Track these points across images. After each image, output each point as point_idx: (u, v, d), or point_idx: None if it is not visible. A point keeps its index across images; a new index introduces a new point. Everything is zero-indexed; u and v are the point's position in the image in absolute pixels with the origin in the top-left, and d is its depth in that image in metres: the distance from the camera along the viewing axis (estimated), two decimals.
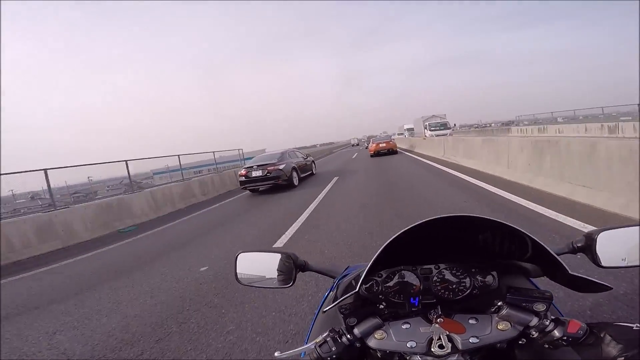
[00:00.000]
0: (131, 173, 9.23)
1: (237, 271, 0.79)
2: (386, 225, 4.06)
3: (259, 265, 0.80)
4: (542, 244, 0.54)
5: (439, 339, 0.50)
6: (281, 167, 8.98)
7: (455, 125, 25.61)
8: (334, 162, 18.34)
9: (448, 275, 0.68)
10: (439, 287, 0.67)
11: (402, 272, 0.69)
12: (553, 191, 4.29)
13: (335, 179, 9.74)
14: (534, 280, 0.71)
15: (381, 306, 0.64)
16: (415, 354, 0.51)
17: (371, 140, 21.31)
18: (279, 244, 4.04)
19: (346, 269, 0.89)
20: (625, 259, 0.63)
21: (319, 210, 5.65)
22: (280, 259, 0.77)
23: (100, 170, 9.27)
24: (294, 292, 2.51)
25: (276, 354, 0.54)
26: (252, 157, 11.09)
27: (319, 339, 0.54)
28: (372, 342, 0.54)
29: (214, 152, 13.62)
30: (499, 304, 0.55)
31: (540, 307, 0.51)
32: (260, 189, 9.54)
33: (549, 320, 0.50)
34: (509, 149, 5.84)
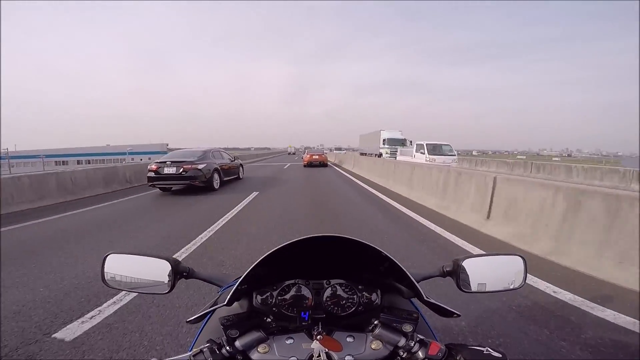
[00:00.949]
0: None
1: (105, 272, 0.71)
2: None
3: (133, 269, 0.71)
4: (403, 268, 0.58)
5: (319, 356, 0.52)
6: (200, 166, 7.96)
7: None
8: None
9: (339, 291, 0.71)
10: (329, 302, 0.70)
11: (299, 285, 0.71)
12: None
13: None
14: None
15: (268, 319, 0.64)
16: None
17: (306, 151, 21.84)
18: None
19: (235, 279, 0.84)
20: (486, 284, 0.70)
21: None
22: (158, 265, 0.70)
23: None
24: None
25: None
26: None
27: (196, 349, 0.53)
28: (255, 356, 0.55)
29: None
30: (375, 322, 0.58)
31: (407, 327, 0.55)
32: (172, 188, 8.31)
33: (414, 342, 0.54)
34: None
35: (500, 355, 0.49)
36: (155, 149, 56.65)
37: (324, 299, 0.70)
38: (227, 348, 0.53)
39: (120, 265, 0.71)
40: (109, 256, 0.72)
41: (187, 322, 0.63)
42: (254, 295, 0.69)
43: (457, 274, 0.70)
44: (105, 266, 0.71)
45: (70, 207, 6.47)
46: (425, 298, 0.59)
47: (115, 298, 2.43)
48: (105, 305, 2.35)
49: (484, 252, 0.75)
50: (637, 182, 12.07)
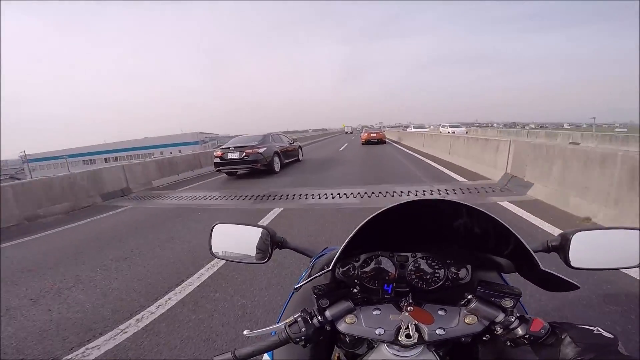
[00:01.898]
0: None
1: (212, 243, 0.77)
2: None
3: (235, 238, 0.77)
4: (520, 238, 0.53)
5: (407, 328, 0.50)
6: (261, 150, 8.05)
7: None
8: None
9: (423, 265, 0.68)
10: (413, 276, 0.67)
11: (380, 258, 0.69)
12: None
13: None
14: (505, 276, 0.71)
15: (355, 290, 0.64)
16: (383, 341, 0.53)
17: (364, 130, 22.01)
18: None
19: (324, 249, 0.87)
20: (597, 261, 0.64)
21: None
22: (257, 234, 0.74)
23: None
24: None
25: (245, 332, 0.55)
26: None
27: (290, 319, 0.54)
28: (341, 327, 0.54)
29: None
30: (469, 297, 0.55)
31: (508, 303, 0.52)
32: (237, 172, 8.66)
33: (514, 317, 0.51)
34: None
35: (612, 336, 0.44)
36: (187, 139, 50.11)
37: (408, 273, 0.68)
38: (319, 317, 0.54)
39: (225, 235, 0.77)
40: (215, 226, 0.77)
41: (295, 288, 0.63)
42: (337, 267, 0.68)
43: (565, 249, 0.64)
44: (212, 236, 0.76)
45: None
46: (542, 268, 0.52)
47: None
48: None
49: (596, 227, 0.66)
50: None
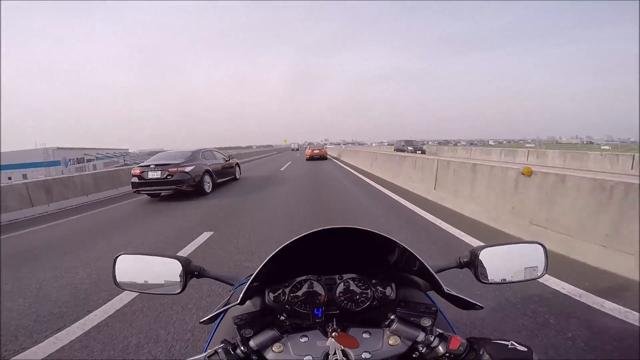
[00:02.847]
0: None
1: (117, 275, 0.70)
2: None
3: (144, 269, 0.70)
4: (420, 260, 0.56)
5: (335, 353, 0.50)
6: (188, 169, 7.13)
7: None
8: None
9: (352, 286, 0.69)
10: (342, 298, 0.68)
11: (311, 281, 0.69)
12: None
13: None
14: (430, 293, 0.73)
15: (282, 317, 0.62)
16: None
17: (309, 147, 25.36)
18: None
19: (248, 277, 0.80)
20: (505, 275, 0.67)
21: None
22: (170, 264, 0.68)
23: None
24: None
25: None
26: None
27: (209, 350, 0.52)
28: (269, 355, 0.53)
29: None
30: (391, 317, 0.55)
31: (426, 322, 0.52)
32: (161, 193, 7.55)
33: (433, 336, 0.51)
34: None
35: (526, 349, 0.47)
36: (33, 158, 26.34)
37: (337, 295, 0.68)
38: (242, 348, 0.52)
39: (131, 266, 0.71)
40: (119, 257, 0.71)
41: (201, 322, 0.60)
42: (267, 293, 0.68)
43: (474, 265, 0.67)
44: (116, 267, 0.70)
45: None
46: (445, 290, 0.57)
47: None
48: None
49: (502, 242, 0.68)
50: None
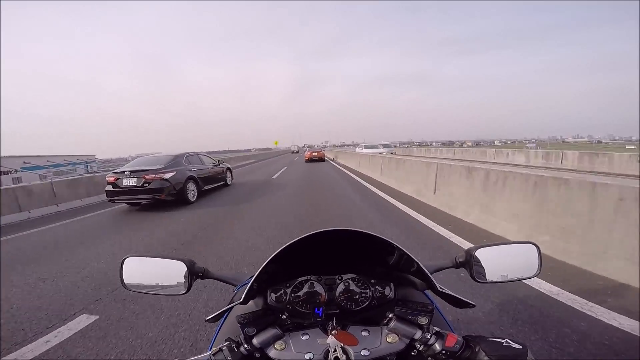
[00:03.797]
0: None
1: (124, 277, 0.72)
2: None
3: (150, 271, 0.72)
4: (416, 260, 0.58)
5: (335, 351, 0.52)
6: (167, 176, 6.32)
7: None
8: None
9: (352, 286, 0.70)
10: (342, 298, 0.69)
11: (311, 281, 0.70)
12: None
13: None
14: (428, 292, 0.74)
15: (283, 316, 0.64)
16: None
17: (308, 149, 26.37)
18: None
19: (250, 277, 0.83)
20: (499, 274, 0.68)
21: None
22: (175, 266, 0.71)
23: None
24: None
25: None
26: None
27: (215, 348, 0.54)
28: (272, 353, 0.54)
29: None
30: (390, 315, 0.57)
31: (423, 320, 0.54)
32: (142, 202, 6.72)
33: (430, 334, 0.53)
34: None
35: (521, 347, 0.48)
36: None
37: (337, 295, 0.69)
38: (246, 346, 0.54)
39: (138, 268, 0.72)
40: (126, 260, 0.72)
41: (206, 320, 0.64)
42: (269, 293, 0.69)
43: (470, 265, 0.69)
44: (123, 269, 0.71)
45: None
46: (439, 289, 0.59)
47: None
48: None
49: (497, 242, 0.69)
50: None
